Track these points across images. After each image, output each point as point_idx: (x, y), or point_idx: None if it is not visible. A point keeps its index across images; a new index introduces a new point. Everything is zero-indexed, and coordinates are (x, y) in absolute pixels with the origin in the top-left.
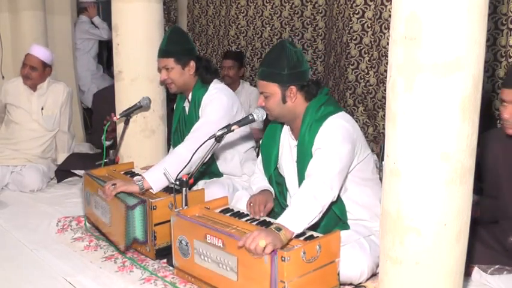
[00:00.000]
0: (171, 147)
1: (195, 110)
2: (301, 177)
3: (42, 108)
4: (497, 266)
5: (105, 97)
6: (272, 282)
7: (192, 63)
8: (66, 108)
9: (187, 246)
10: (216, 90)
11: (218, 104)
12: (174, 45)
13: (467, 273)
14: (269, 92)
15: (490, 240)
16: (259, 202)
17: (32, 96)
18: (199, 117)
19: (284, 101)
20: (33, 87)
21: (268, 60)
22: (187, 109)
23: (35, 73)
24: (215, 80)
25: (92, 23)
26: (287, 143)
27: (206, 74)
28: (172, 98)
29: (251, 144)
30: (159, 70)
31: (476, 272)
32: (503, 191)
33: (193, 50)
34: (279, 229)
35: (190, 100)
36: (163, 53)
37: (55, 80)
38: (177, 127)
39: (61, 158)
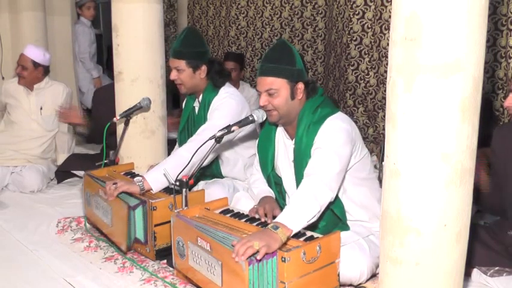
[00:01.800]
0: (177, 145)
1: (204, 111)
2: (298, 178)
3: (41, 108)
4: (497, 268)
5: (105, 96)
6: None
7: (204, 67)
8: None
9: (184, 248)
10: (227, 94)
11: (226, 109)
12: (188, 47)
13: (467, 274)
14: (276, 88)
15: (490, 241)
16: (268, 211)
17: (30, 96)
18: (207, 119)
19: (292, 97)
20: (29, 87)
21: (274, 57)
22: (197, 109)
23: (26, 72)
24: (227, 84)
25: (92, 25)
26: (282, 143)
27: (218, 78)
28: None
29: (256, 149)
30: (170, 69)
31: (475, 273)
32: (508, 187)
33: (206, 54)
34: (276, 227)
35: (200, 101)
36: (176, 53)
37: (55, 81)
38: (184, 126)
39: (61, 158)
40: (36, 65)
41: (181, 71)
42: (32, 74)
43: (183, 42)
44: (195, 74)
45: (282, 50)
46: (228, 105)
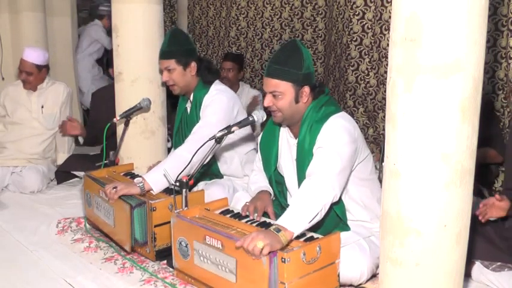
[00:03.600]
0: (172, 147)
1: (197, 110)
2: (300, 177)
3: (42, 107)
4: (499, 263)
5: (103, 97)
6: (270, 284)
7: (194, 64)
8: (66, 108)
9: (187, 248)
10: (217, 91)
11: (218, 105)
12: (175, 47)
13: (468, 271)
14: (281, 91)
15: (495, 237)
16: (259, 208)
17: (32, 96)
18: (200, 117)
19: (297, 101)
20: (34, 89)
21: (282, 58)
22: (189, 109)
23: (31, 77)
24: (217, 81)
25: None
26: (286, 142)
27: (208, 75)
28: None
29: (252, 145)
30: (161, 72)
31: (477, 267)
32: None
33: (194, 51)
34: (278, 230)
35: (192, 101)
36: (165, 54)
37: (56, 80)
38: (179, 127)
39: (61, 158)
40: (39, 67)
41: (173, 71)
42: (37, 77)
43: (170, 42)
44: (185, 72)
45: (290, 52)
46: (219, 101)
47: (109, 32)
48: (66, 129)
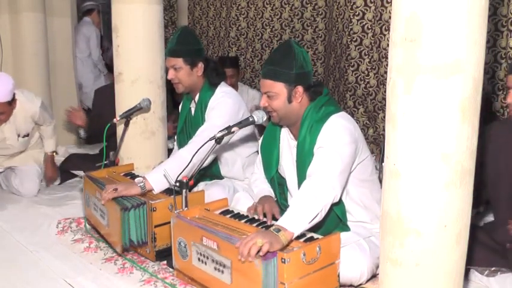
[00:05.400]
0: (175, 147)
1: (201, 111)
2: (301, 178)
3: (18, 135)
4: (493, 268)
5: (106, 95)
6: (264, 286)
7: (201, 65)
8: (43, 115)
9: (186, 248)
10: (223, 94)
11: (224, 108)
12: (184, 46)
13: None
14: (275, 91)
15: (489, 242)
16: (267, 211)
17: (5, 128)
18: (205, 119)
19: (290, 101)
20: (6, 121)
21: (275, 59)
22: (193, 110)
23: (4, 116)
24: (222, 83)
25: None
26: (286, 143)
27: (215, 77)
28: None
29: (254, 148)
30: (167, 69)
31: (471, 274)
32: (499, 184)
33: (202, 51)
34: (278, 230)
35: (196, 101)
36: (172, 52)
37: (20, 96)
38: (182, 128)
39: (48, 144)
40: (10, 102)
41: (179, 69)
42: (9, 112)
43: (179, 41)
44: (192, 72)
45: (283, 53)
46: (224, 104)
47: (100, 23)
48: (70, 117)
